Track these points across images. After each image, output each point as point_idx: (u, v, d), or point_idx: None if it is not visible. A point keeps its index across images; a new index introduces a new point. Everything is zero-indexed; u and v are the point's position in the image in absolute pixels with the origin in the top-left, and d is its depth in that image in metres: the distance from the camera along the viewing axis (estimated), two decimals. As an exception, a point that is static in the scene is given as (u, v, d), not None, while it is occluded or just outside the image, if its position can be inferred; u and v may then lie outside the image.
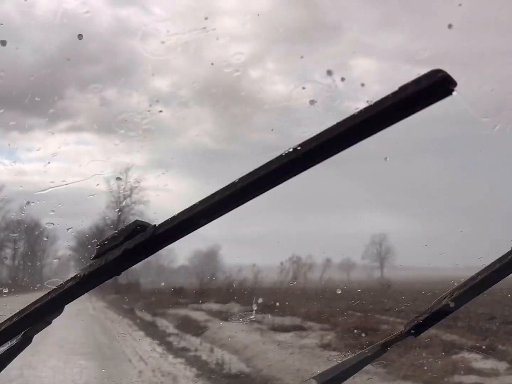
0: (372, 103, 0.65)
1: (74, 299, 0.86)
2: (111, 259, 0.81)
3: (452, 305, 1.12)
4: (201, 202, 0.76)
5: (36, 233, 34.09)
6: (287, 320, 11.94)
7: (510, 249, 1.08)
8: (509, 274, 1.09)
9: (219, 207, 0.76)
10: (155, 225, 0.80)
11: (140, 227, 0.81)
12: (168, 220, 0.79)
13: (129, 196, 31.43)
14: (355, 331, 9.76)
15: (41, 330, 0.94)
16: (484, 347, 8.50)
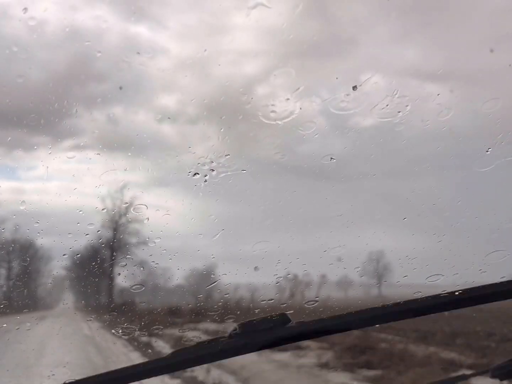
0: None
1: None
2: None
3: None
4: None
5: (31, 252, 33.82)
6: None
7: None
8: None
9: None
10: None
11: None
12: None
13: (125, 214, 31.28)
14: (354, 349, 9.67)
15: None
16: (483, 365, 8.43)
